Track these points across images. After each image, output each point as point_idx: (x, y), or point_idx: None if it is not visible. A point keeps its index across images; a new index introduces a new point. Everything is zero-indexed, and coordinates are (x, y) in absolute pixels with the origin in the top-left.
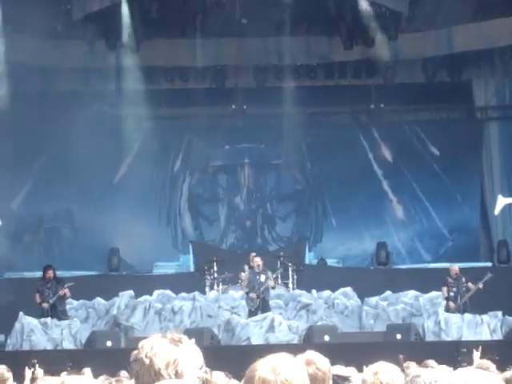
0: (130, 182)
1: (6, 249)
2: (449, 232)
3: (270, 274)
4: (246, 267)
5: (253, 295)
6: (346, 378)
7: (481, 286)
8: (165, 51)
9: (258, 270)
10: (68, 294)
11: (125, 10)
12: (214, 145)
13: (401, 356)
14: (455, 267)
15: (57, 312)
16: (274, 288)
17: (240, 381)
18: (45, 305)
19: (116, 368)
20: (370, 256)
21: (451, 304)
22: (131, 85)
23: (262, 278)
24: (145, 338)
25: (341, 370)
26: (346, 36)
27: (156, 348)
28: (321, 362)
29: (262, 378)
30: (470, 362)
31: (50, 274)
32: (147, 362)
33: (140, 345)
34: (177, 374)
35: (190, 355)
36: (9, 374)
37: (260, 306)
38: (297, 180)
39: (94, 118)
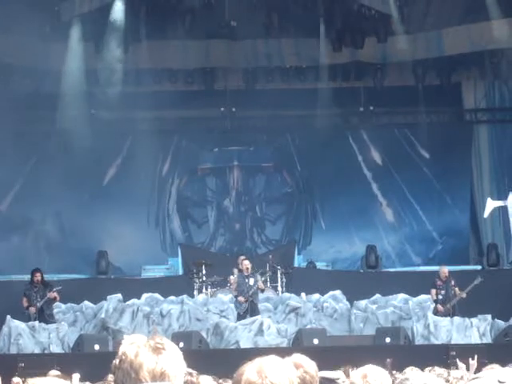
0: (118, 184)
1: None
2: (439, 235)
3: (258, 277)
4: (236, 270)
5: (241, 299)
6: (333, 380)
7: (464, 295)
8: (153, 53)
9: (246, 274)
10: (58, 297)
11: (118, 10)
12: (202, 147)
13: (388, 360)
14: (445, 269)
15: (44, 316)
16: (263, 291)
17: None
18: (32, 309)
19: (104, 372)
20: (359, 259)
21: (439, 307)
22: (119, 87)
23: (251, 281)
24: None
25: (328, 372)
26: (335, 38)
27: (141, 357)
28: (308, 365)
29: (248, 380)
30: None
31: (38, 276)
32: (133, 374)
33: (122, 350)
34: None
35: (175, 362)
36: None
37: (249, 309)
38: (286, 183)
39: (83, 120)
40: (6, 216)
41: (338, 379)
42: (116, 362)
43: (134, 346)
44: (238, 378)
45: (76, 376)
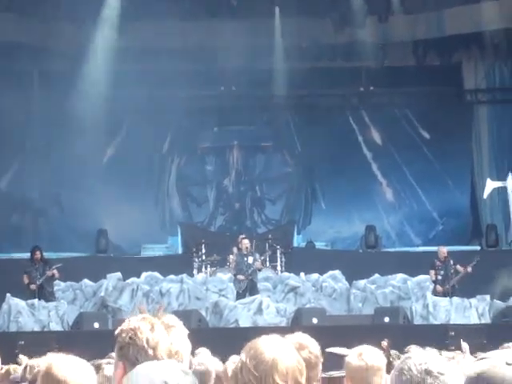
0: (118, 163)
1: None
2: (439, 216)
3: (257, 255)
4: (235, 249)
5: (240, 277)
6: (342, 357)
7: (469, 269)
8: (154, 32)
9: (245, 252)
10: (57, 274)
11: None
12: (202, 126)
13: (384, 342)
14: (443, 249)
15: (44, 293)
16: (260, 270)
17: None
18: (33, 286)
19: (103, 350)
20: (359, 239)
21: (438, 287)
22: (119, 65)
23: (250, 259)
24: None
25: (337, 349)
26: (336, 18)
27: (157, 334)
28: (313, 345)
29: (276, 360)
30: (458, 346)
31: (38, 255)
32: (150, 352)
33: (134, 325)
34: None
35: (185, 340)
36: None
37: (248, 287)
38: (286, 162)
39: (82, 99)
40: (6, 194)
41: (348, 356)
42: (127, 336)
43: (147, 323)
44: (261, 357)
45: None
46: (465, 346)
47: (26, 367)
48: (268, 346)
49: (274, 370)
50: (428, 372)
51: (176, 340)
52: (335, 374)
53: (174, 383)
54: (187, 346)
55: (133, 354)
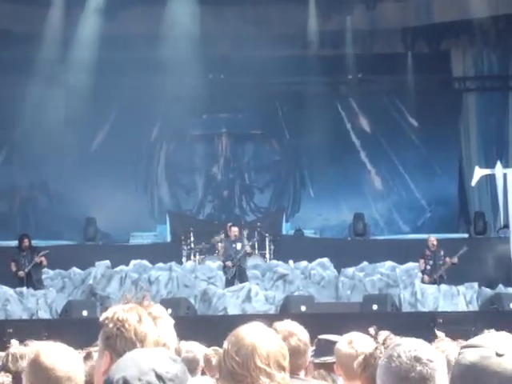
0: (106, 150)
1: None
2: (427, 203)
3: (245, 241)
4: (222, 235)
5: (229, 264)
6: (335, 343)
7: (455, 260)
8: (142, 19)
9: (233, 239)
10: (44, 261)
11: None
12: (191, 114)
13: (371, 329)
14: (432, 238)
15: (32, 281)
16: (250, 255)
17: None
18: (21, 273)
19: (92, 338)
20: (347, 227)
21: (426, 277)
22: (107, 52)
23: (238, 246)
24: None
25: (331, 336)
26: (323, 5)
27: (145, 327)
28: (302, 333)
29: (254, 345)
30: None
31: (26, 242)
32: (138, 345)
33: (123, 317)
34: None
35: (171, 330)
36: None
37: (237, 273)
38: (275, 150)
39: (70, 86)
40: None
41: (338, 343)
42: (115, 327)
43: (135, 313)
44: (243, 343)
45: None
46: (440, 334)
47: (7, 356)
48: (248, 332)
49: (254, 354)
50: (417, 359)
51: (163, 332)
52: (328, 359)
53: (163, 371)
54: (173, 337)
55: (120, 345)
